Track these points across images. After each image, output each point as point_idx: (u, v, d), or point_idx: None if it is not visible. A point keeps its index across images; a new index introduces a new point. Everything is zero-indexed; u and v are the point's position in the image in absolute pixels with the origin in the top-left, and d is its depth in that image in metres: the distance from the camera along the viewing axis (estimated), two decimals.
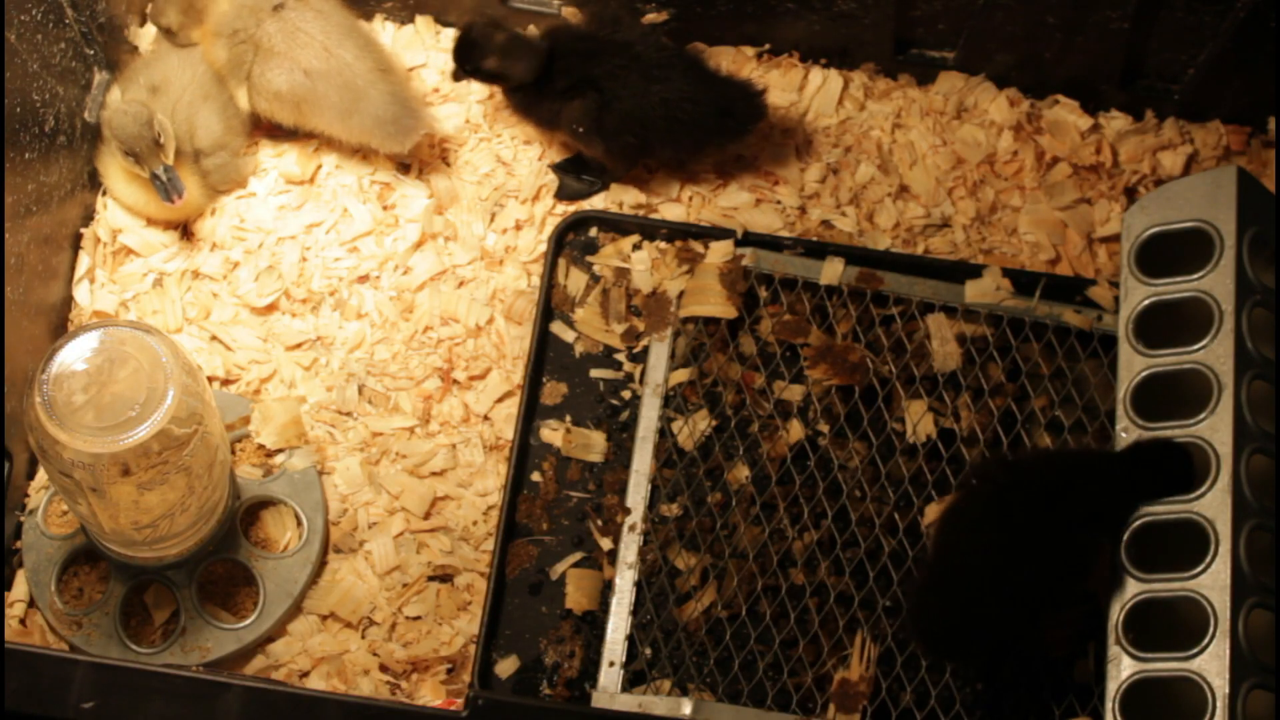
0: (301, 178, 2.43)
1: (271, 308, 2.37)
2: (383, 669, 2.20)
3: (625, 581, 2.23)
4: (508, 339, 2.37)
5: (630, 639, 2.20)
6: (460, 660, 2.21)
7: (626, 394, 2.34)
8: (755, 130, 2.40)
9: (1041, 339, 2.34)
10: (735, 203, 2.44)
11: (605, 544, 2.26)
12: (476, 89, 2.49)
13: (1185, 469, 2.07)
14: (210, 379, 2.31)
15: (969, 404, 2.31)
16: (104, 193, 2.40)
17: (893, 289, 2.35)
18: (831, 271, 2.35)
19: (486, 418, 2.33)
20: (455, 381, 2.34)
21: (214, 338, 2.35)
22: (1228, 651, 1.99)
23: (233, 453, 2.27)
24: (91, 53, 2.38)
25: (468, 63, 2.36)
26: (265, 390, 2.33)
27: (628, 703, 2.15)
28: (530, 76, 2.34)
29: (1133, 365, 2.19)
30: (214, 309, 2.36)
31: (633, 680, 2.19)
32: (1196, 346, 2.14)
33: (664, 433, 2.30)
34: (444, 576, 2.25)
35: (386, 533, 2.26)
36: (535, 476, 2.29)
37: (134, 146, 2.24)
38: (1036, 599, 2.04)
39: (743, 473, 2.29)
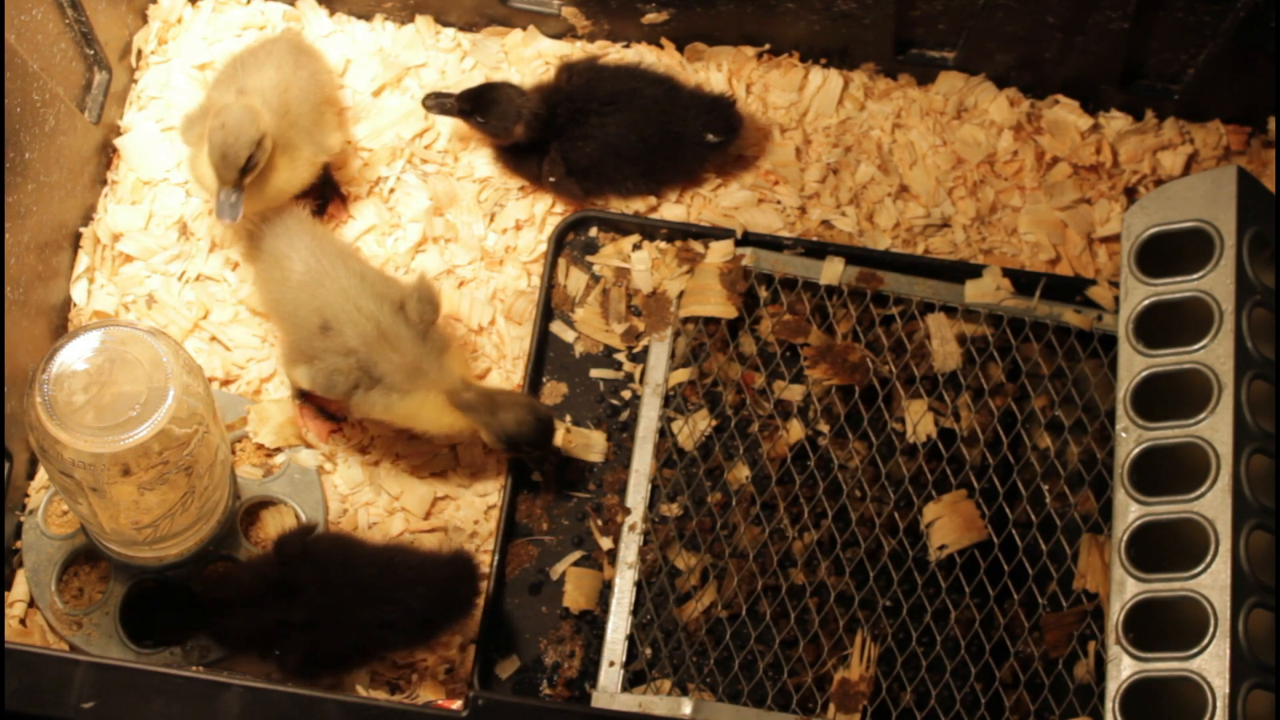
0: None
1: None
2: (383, 669, 2.19)
3: (625, 581, 2.23)
4: (508, 339, 2.37)
5: (630, 639, 2.20)
6: (460, 660, 2.21)
7: (626, 394, 2.34)
8: (734, 141, 2.41)
9: (1041, 339, 2.34)
10: (735, 203, 2.44)
11: (605, 544, 2.26)
12: None
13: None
14: (210, 379, 2.31)
15: (969, 404, 2.31)
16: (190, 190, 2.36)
17: (893, 289, 2.35)
18: (831, 271, 2.35)
19: None
20: None
21: (213, 338, 2.35)
22: (1228, 651, 1.99)
23: (233, 452, 2.27)
24: (91, 53, 2.38)
25: (485, 115, 2.36)
26: (265, 390, 2.33)
27: (628, 703, 2.15)
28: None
29: (1133, 365, 2.20)
30: (214, 309, 2.36)
31: (633, 680, 2.19)
32: (1196, 346, 2.14)
33: (664, 433, 2.30)
34: None
35: (386, 533, 2.26)
36: (535, 476, 2.29)
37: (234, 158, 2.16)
38: None
39: (743, 473, 2.29)
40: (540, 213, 2.43)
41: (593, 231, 2.42)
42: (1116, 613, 2.09)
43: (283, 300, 2.19)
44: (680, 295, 2.36)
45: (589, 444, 2.31)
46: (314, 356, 2.16)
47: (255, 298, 2.32)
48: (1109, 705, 2.06)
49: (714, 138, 2.39)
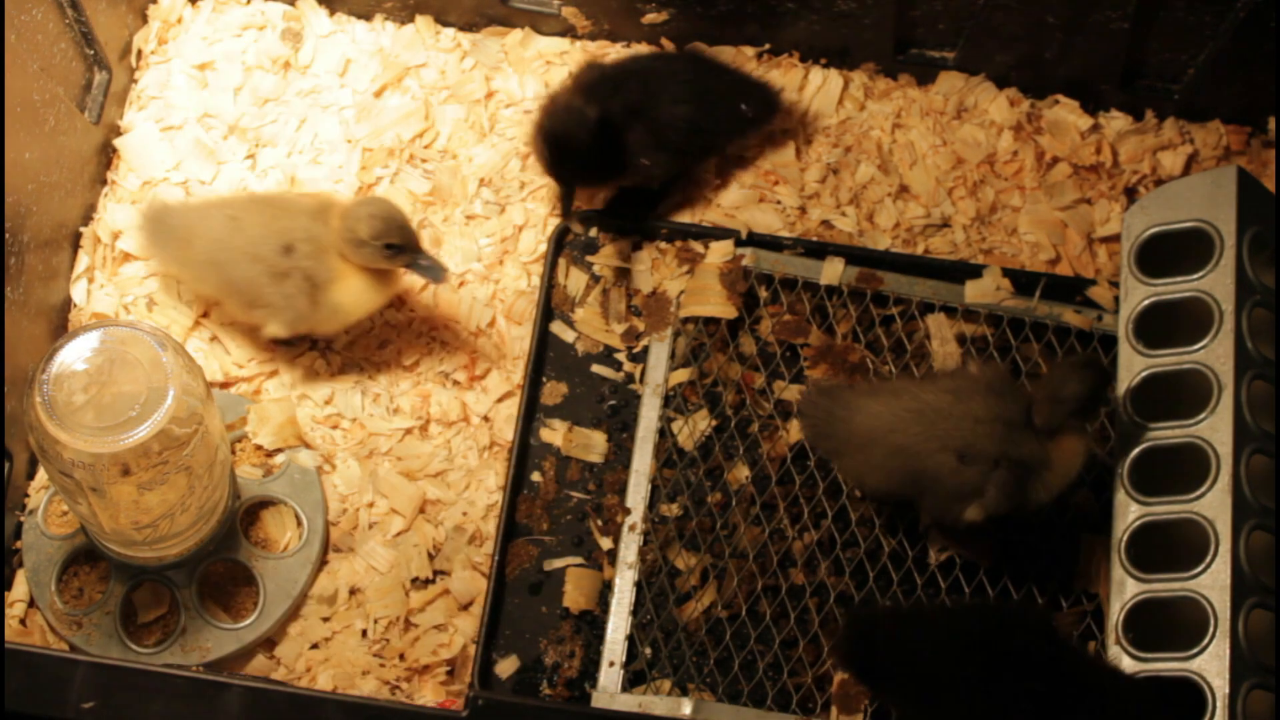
0: (303, 178, 2.43)
1: None
2: (383, 669, 2.19)
3: (625, 581, 2.23)
4: (508, 339, 2.37)
5: (630, 639, 2.20)
6: (460, 660, 2.21)
7: (627, 394, 2.34)
8: (771, 120, 2.42)
9: (1041, 339, 2.34)
10: (735, 203, 2.44)
11: (605, 544, 2.26)
12: (477, 89, 2.50)
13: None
14: (210, 379, 2.31)
15: None
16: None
17: (893, 289, 2.35)
18: (831, 271, 2.35)
19: (486, 418, 2.33)
20: (455, 382, 2.34)
21: (214, 338, 2.35)
22: (1228, 651, 1.99)
23: (232, 452, 2.27)
24: (91, 53, 2.39)
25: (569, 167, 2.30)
26: (265, 390, 2.33)
27: (628, 703, 2.15)
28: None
29: (1133, 365, 2.20)
30: (214, 309, 2.36)
31: (633, 680, 2.19)
32: (1196, 346, 2.14)
33: (664, 433, 2.30)
34: (444, 576, 2.25)
35: (386, 533, 2.26)
36: (535, 476, 2.29)
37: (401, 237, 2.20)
38: None
39: (743, 473, 2.29)
40: (540, 213, 2.43)
41: (593, 231, 2.42)
42: (1116, 613, 2.09)
43: (227, 260, 2.23)
44: (680, 295, 2.36)
45: (589, 444, 2.31)
46: (266, 303, 2.22)
47: (196, 287, 2.34)
48: None
49: (748, 110, 2.38)
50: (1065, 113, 2.48)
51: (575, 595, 2.23)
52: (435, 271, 2.22)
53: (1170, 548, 2.07)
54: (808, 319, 2.35)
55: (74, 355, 1.90)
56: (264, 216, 2.23)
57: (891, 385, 2.18)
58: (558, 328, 2.37)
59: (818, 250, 2.36)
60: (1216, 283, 2.15)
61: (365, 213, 2.18)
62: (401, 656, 2.20)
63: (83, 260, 2.37)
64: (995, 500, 2.05)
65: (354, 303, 2.24)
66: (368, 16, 2.54)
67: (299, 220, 2.22)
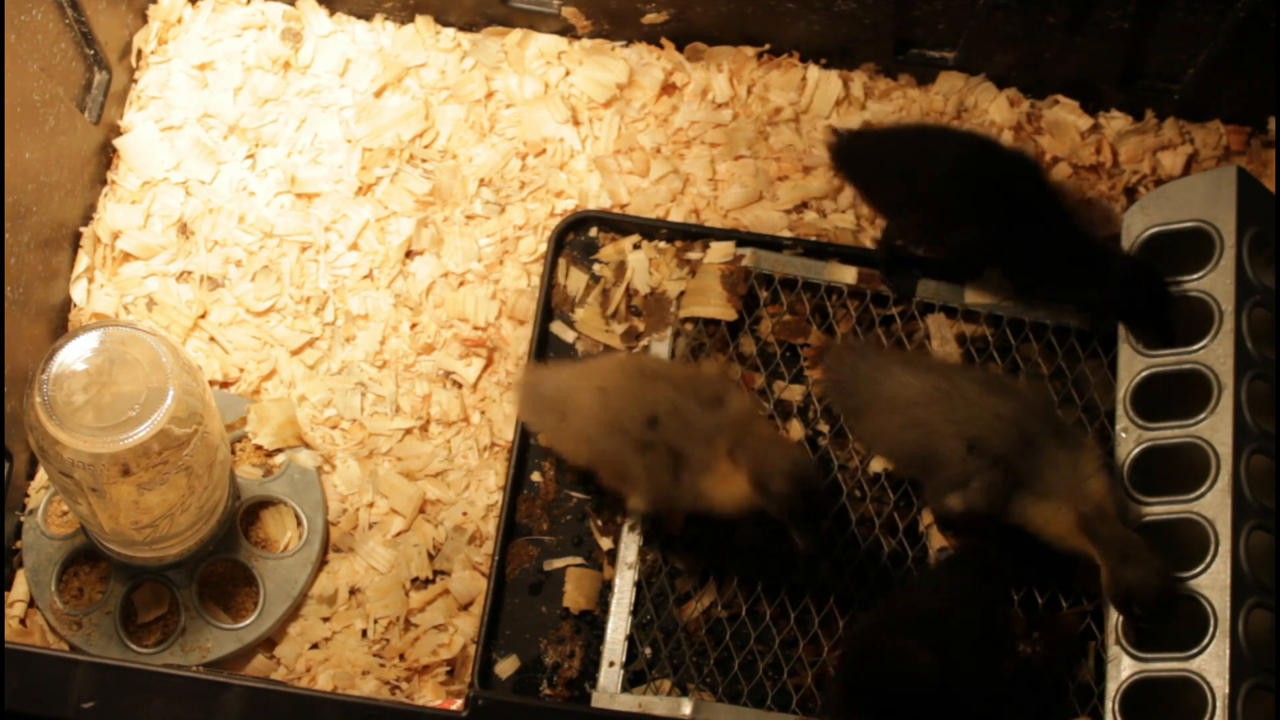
0: (303, 178, 2.43)
1: (271, 309, 2.37)
2: (383, 669, 2.20)
3: (625, 581, 2.23)
4: (508, 339, 2.37)
5: (630, 639, 2.20)
6: (460, 660, 2.21)
7: None
8: None
9: (1041, 339, 2.34)
10: (735, 202, 2.44)
11: (605, 544, 2.26)
12: (477, 89, 2.50)
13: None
14: (210, 379, 2.31)
15: None
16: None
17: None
18: (832, 271, 2.35)
19: (486, 418, 2.33)
20: (455, 382, 2.34)
21: (213, 339, 2.35)
22: (1228, 651, 1.99)
23: (232, 453, 2.27)
24: (91, 53, 2.39)
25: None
26: (265, 390, 2.33)
27: (628, 703, 2.15)
28: None
29: (1133, 365, 2.20)
30: (213, 310, 2.36)
31: (633, 680, 2.19)
32: (1196, 346, 2.14)
33: None
34: (444, 576, 2.25)
35: (386, 533, 2.26)
36: (535, 476, 2.29)
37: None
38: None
39: None
40: (540, 213, 2.43)
41: (593, 231, 2.42)
42: (1116, 613, 2.09)
43: (596, 434, 2.14)
44: (680, 295, 2.36)
45: None
46: (630, 476, 2.13)
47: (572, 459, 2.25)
48: (1109, 705, 2.06)
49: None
50: (1065, 113, 2.48)
51: (575, 595, 2.23)
52: (804, 544, 2.08)
53: (1170, 548, 2.07)
54: (808, 319, 2.35)
55: (74, 355, 1.90)
56: (631, 387, 2.12)
57: (927, 360, 2.19)
58: (558, 328, 2.37)
59: (818, 250, 2.36)
60: (1216, 283, 2.15)
61: (784, 468, 2.03)
62: (401, 656, 2.20)
63: (83, 260, 2.37)
64: (976, 494, 2.06)
65: (725, 500, 2.09)
66: (368, 16, 2.54)
67: (665, 391, 2.10)
